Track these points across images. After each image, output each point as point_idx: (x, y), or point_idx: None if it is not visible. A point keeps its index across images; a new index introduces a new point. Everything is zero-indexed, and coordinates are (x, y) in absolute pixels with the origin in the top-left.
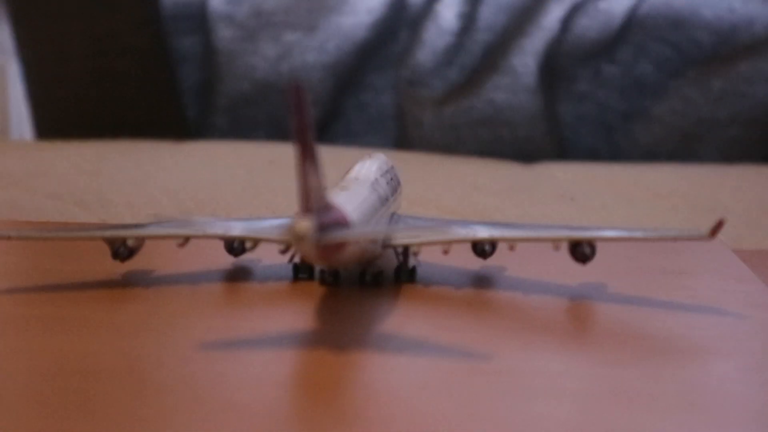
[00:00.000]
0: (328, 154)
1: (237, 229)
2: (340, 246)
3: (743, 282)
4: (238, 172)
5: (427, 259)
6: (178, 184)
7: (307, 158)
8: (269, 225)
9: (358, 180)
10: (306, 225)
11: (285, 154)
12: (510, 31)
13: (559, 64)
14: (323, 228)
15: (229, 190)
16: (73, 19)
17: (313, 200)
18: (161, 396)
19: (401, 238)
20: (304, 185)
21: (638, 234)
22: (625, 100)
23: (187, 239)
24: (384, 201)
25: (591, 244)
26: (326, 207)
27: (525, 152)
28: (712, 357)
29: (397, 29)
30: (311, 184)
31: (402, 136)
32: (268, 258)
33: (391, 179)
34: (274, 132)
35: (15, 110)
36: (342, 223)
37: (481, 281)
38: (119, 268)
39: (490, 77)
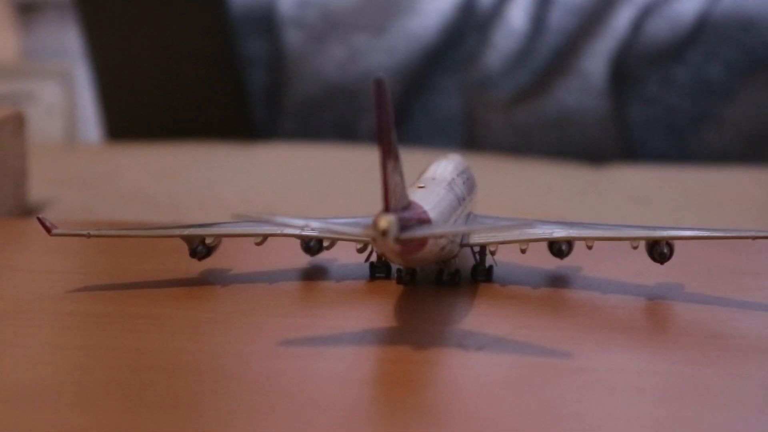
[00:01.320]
0: None
1: (315, 225)
2: (420, 244)
3: None
4: (308, 175)
5: (503, 258)
6: (248, 186)
7: (390, 155)
8: (346, 224)
9: (435, 179)
10: (389, 222)
11: (353, 156)
12: (580, 33)
13: (628, 67)
14: (405, 225)
15: (299, 192)
16: (142, 23)
17: (394, 197)
18: (244, 392)
19: (479, 237)
20: (386, 183)
21: (717, 233)
22: (695, 102)
23: (264, 238)
24: (461, 200)
25: (669, 243)
26: (407, 205)
27: (594, 154)
28: None
29: (466, 32)
30: (393, 180)
31: (470, 139)
32: (344, 257)
33: (467, 179)
34: (343, 134)
35: (82, 114)
36: (423, 220)
37: (558, 281)
38: (197, 267)
39: (559, 80)
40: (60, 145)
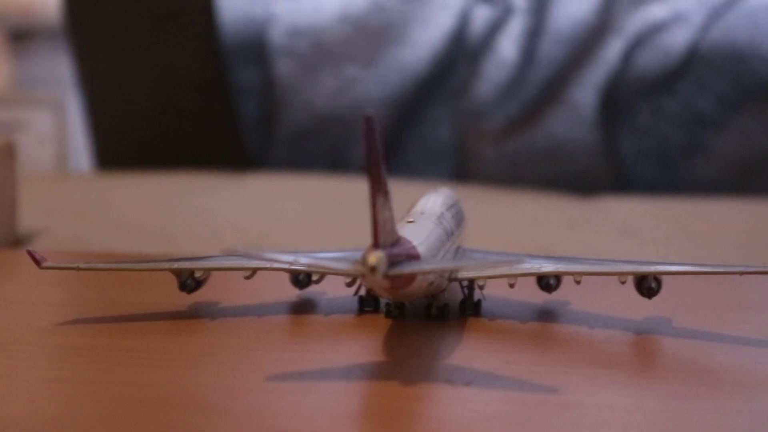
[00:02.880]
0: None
1: (304, 260)
2: (409, 279)
3: None
4: (299, 205)
5: (491, 292)
6: (240, 216)
7: (379, 191)
8: (335, 257)
9: (425, 214)
10: (378, 258)
11: (344, 186)
12: (570, 64)
13: (619, 98)
14: (394, 261)
15: (290, 222)
16: (133, 52)
17: (384, 233)
18: (233, 427)
19: (467, 271)
20: (376, 218)
21: (705, 268)
22: (685, 133)
23: (254, 271)
24: (450, 235)
25: (657, 278)
26: (396, 240)
27: (584, 185)
28: None
29: (456, 63)
30: (383, 216)
31: (461, 169)
32: (333, 291)
33: (456, 213)
34: (333, 164)
35: (73, 143)
36: (412, 256)
37: (546, 315)
38: (186, 300)
39: (550, 111)
40: (51, 173)
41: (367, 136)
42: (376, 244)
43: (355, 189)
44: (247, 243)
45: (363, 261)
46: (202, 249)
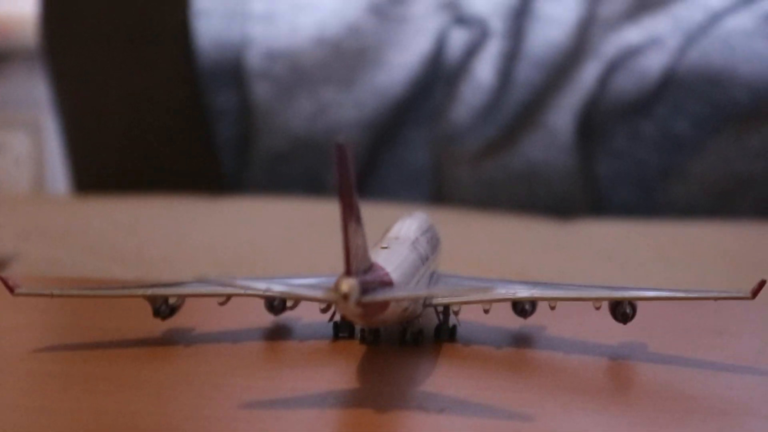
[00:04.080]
0: (364, 210)
1: (278, 287)
2: (382, 306)
3: None
4: (276, 229)
5: (467, 317)
6: (216, 241)
7: (351, 217)
8: (310, 283)
9: (399, 239)
10: (350, 285)
11: (321, 210)
12: (546, 88)
13: (595, 121)
14: (366, 288)
15: (266, 246)
16: (109, 75)
17: (356, 260)
18: None
19: (442, 297)
20: (348, 245)
21: (679, 294)
22: (662, 157)
23: (228, 297)
24: (424, 260)
25: (632, 303)
26: (369, 267)
27: (561, 209)
28: (752, 418)
29: (433, 86)
30: (355, 243)
31: (438, 192)
32: (308, 316)
33: (431, 238)
34: (311, 188)
35: (50, 165)
36: (385, 283)
37: (522, 341)
38: (160, 326)
39: (526, 134)
40: (27, 196)
41: (339, 163)
42: (348, 272)
43: (332, 212)
44: (222, 267)
45: (335, 288)
46: (177, 274)
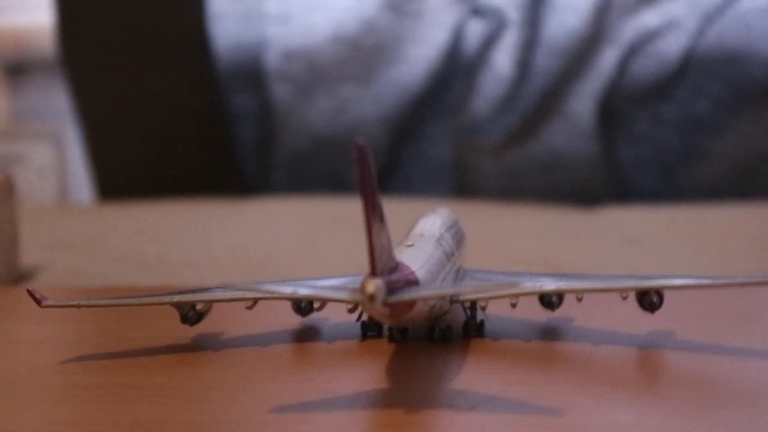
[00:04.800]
0: (387, 206)
1: (305, 289)
2: (409, 305)
3: None
4: (300, 228)
5: (494, 311)
6: (241, 243)
7: (374, 217)
8: (336, 285)
9: (424, 236)
10: (375, 286)
11: (345, 208)
12: (565, 75)
13: (616, 107)
14: (392, 288)
15: (292, 246)
16: (128, 82)
17: (381, 260)
18: None
19: (469, 294)
20: (372, 245)
21: (706, 281)
22: (684, 139)
23: (255, 301)
24: (450, 256)
25: (659, 292)
26: (394, 267)
27: (585, 196)
28: None
29: (452, 78)
30: (379, 243)
31: (460, 185)
32: (336, 316)
33: (456, 233)
34: (334, 186)
35: (73, 174)
36: (411, 282)
37: (550, 333)
38: (188, 332)
39: (547, 123)
40: (52, 206)
41: (360, 164)
42: (373, 272)
43: (356, 209)
44: (248, 269)
45: (361, 289)
46: (204, 278)
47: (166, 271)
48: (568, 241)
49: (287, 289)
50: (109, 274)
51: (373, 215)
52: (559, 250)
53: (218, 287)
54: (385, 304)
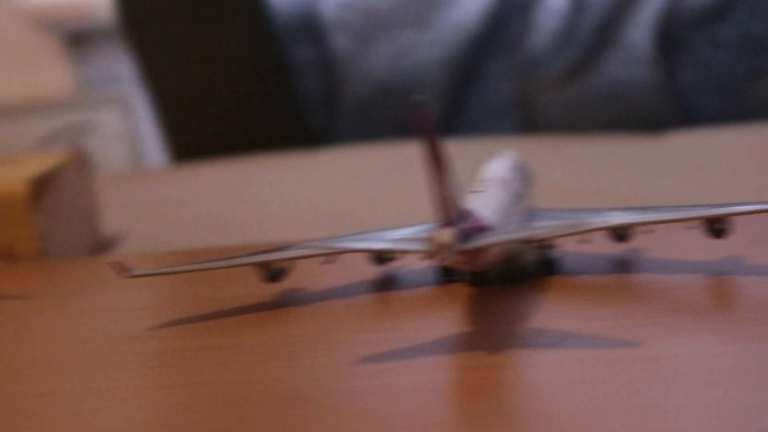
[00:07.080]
0: (453, 149)
1: (379, 243)
2: (482, 251)
3: None
4: (371, 176)
5: (567, 247)
6: (313, 195)
7: (439, 170)
8: (410, 235)
9: (491, 181)
10: (446, 236)
11: (413, 154)
12: (621, 4)
13: (673, 32)
14: (463, 236)
15: (364, 194)
16: (189, 43)
17: (449, 210)
18: (330, 415)
19: (540, 235)
20: (440, 197)
21: None
22: (744, 59)
23: (333, 255)
24: (518, 198)
25: (727, 220)
26: (463, 214)
27: (650, 123)
28: None
29: (508, 16)
30: (446, 194)
31: (524, 121)
32: (414, 263)
33: (523, 175)
34: (399, 131)
35: (143, 139)
36: (481, 228)
37: (622, 266)
38: (270, 290)
39: (606, 53)
40: (126, 172)
41: (419, 121)
42: (445, 222)
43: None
44: (323, 221)
45: (434, 240)
46: (281, 233)
47: (247, 229)
48: (635, 170)
49: (361, 245)
50: (190, 236)
51: (439, 168)
52: (627, 179)
53: (295, 245)
54: (459, 252)
